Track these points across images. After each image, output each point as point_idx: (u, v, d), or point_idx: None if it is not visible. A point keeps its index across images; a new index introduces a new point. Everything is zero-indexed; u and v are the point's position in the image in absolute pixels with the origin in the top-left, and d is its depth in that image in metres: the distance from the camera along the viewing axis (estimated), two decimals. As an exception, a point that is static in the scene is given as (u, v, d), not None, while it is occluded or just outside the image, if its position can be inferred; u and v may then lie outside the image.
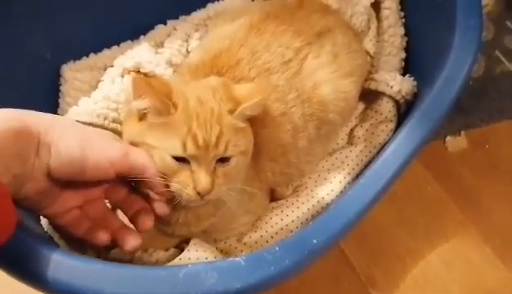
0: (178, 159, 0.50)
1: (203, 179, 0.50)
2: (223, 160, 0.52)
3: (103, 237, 0.52)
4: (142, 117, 0.52)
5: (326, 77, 0.66)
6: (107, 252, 0.64)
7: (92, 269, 0.45)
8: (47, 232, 0.58)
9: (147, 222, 0.53)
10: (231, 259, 0.48)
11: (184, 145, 0.49)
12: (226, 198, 0.54)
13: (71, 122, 0.51)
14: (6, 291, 0.58)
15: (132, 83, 0.51)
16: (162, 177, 0.51)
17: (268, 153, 0.58)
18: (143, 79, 0.51)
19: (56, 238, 0.59)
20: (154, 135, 0.51)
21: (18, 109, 0.45)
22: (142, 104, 0.50)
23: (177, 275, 0.45)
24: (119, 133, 0.63)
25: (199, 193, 0.50)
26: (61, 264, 0.45)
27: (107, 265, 0.46)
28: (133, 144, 0.52)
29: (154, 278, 0.45)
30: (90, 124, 0.66)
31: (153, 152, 0.51)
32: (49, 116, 0.48)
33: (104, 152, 0.48)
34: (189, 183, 0.51)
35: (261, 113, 0.57)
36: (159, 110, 0.50)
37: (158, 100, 0.49)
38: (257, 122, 0.57)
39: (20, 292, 0.49)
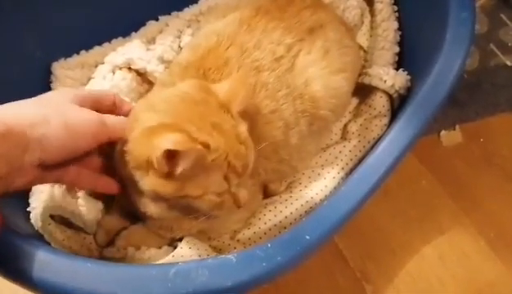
0: None
1: (242, 196, 0.54)
2: None
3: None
4: (169, 174, 0.48)
5: (317, 73, 0.65)
6: (100, 250, 0.64)
7: (81, 267, 0.45)
8: (37, 231, 0.58)
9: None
10: (222, 256, 0.48)
11: (228, 180, 0.51)
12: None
13: (50, 106, 0.49)
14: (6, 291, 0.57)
15: (163, 158, 0.46)
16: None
17: (259, 150, 0.58)
18: (175, 147, 0.45)
19: (47, 236, 0.59)
20: (195, 184, 0.50)
21: None
22: (185, 165, 0.47)
23: (167, 273, 0.45)
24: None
25: (239, 206, 0.54)
26: (50, 263, 0.45)
27: (96, 263, 0.46)
28: (171, 198, 0.51)
29: (144, 277, 0.45)
30: None
31: (196, 200, 0.51)
32: (30, 108, 0.47)
33: (86, 124, 0.49)
34: (231, 205, 0.54)
35: (250, 111, 0.57)
36: (198, 163, 0.48)
37: (196, 156, 0.47)
38: (246, 120, 0.57)
39: (19, 291, 0.49)
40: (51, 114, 0.47)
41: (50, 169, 0.48)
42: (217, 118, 0.50)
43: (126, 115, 0.55)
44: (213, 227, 0.63)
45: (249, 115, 0.57)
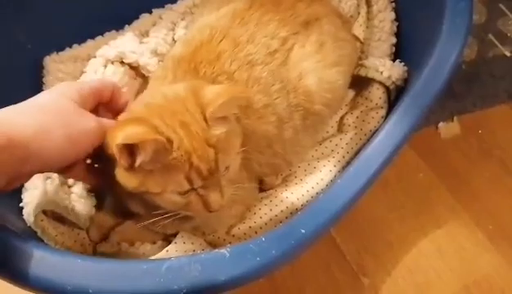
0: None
1: (214, 200, 0.51)
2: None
3: None
4: (130, 167, 0.48)
5: (311, 67, 0.64)
6: (93, 246, 0.63)
7: (73, 263, 0.44)
8: (29, 227, 0.57)
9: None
10: (215, 251, 0.47)
11: (190, 181, 0.49)
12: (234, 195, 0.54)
13: (52, 114, 0.47)
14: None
15: (118, 150, 0.46)
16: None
17: (252, 144, 0.57)
18: (129, 140, 0.45)
19: (40, 232, 0.58)
20: (156, 181, 0.49)
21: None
22: (143, 157, 0.46)
23: (159, 268, 0.44)
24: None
25: (211, 211, 0.51)
26: (42, 260, 0.44)
27: (88, 259, 0.45)
28: (135, 194, 0.51)
29: (136, 272, 0.44)
30: None
31: (156, 197, 0.50)
32: (32, 117, 0.45)
33: (87, 133, 0.48)
34: (200, 208, 0.51)
35: (242, 106, 0.56)
36: (159, 160, 0.47)
37: (155, 149, 0.46)
38: (239, 114, 0.56)
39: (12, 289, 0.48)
40: (53, 125, 0.45)
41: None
42: (188, 118, 0.49)
43: (122, 107, 0.55)
44: (207, 223, 0.63)
45: (241, 109, 0.56)
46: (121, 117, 0.53)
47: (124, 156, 0.47)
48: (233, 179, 0.54)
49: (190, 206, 0.51)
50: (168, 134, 0.47)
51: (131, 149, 0.46)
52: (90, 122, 0.49)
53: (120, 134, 0.45)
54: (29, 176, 0.46)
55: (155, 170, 0.48)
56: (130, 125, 0.47)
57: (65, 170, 0.49)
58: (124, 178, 0.49)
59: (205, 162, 0.48)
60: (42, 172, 0.46)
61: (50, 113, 0.47)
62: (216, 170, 0.49)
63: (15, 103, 0.46)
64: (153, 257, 0.56)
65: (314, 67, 0.65)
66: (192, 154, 0.48)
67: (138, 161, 0.46)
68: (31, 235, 0.57)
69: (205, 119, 0.49)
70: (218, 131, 0.50)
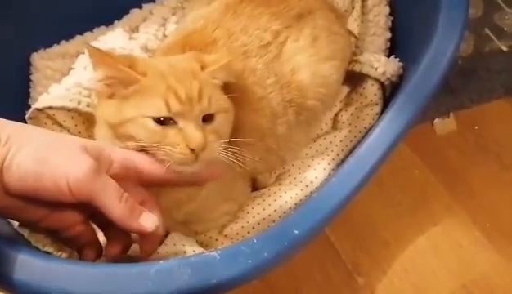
0: (162, 123, 0.48)
1: (193, 134, 0.47)
2: (209, 119, 0.50)
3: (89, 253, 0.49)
4: (111, 95, 0.50)
5: (305, 61, 0.63)
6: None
7: (57, 268, 0.43)
8: (15, 229, 0.55)
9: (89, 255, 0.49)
10: (205, 253, 0.46)
11: (167, 103, 0.47)
12: (222, 157, 0.51)
13: (38, 132, 0.44)
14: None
15: (89, 55, 0.49)
16: (150, 146, 0.47)
17: (243, 135, 0.57)
18: (100, 50, 0.49)
19: (26, 234, 0.57)
20: (131, 105, 0.48)
21: None
22: (102, 74, 0.49)
23: (148, 272, 0.43)
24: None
25: (193, 151, 0.47)
26: (28, 264, 0.43)
27: (73, 263, 0.44)
28: (115, 127, 0.49)
29: (124, 277, 0.43)
30: (62, 108, 0.63)
31: (133, 125, 0.48)
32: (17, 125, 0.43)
33: (65, 169, 0.41)
34: (179, 141, 0.47)
35: (238, 95, 0.55)
36: (124, 80, 0.48)
37: (119, 68, 0.48)
38: (233, 104, 0.55)
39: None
40: (35, 138, 0.42)
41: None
42: (175, 60, 0.52)
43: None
44: (196, 218, 0.61)
45: (236, 99, 0.55)
46: None
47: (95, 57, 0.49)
48: (221, 136, 0.52)
49: (169, 139, 0.47)
50: (142, 67, 0.49)
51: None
52: (80, 161, 0.42)
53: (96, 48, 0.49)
54: None
55: (130, 94, 0.48)
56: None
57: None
58: (103, 108, 0.51)
59: (184, 86, 0.48)
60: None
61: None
62: (197, 101, 0.48)
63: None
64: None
65: (307, 61, 0.63)
66: (169, 76, 0.48)
67: (102, 76, 0.49)
68: (18, 237, 0.55)
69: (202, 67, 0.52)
70: (210, 78, 0.52)
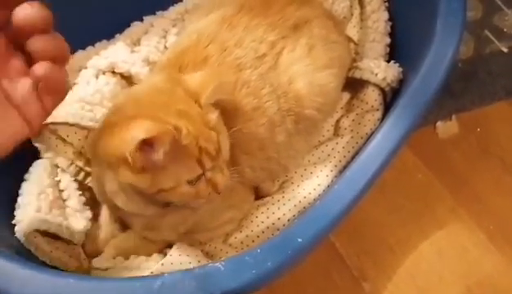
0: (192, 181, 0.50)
1: (222, 180, 0.52)
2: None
3: None
4: (141, 169, 0.48)
5: (301, 70, 0.63)
6: (89, 260, 0.62)
7: (63, 283, 0.44)
8: (22, 244, 0.56)
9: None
10: (209, 265, 0.46)
11: (202, 164, 0.50)
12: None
13: None
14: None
15: (133, 155, 0.45)
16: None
17: (241, 146, 0.58)
18: (150, 134, 0.44)
19: (33, 249, 0.58)
20: (169, 177, 0.49)
21: None
22: (160, 155, 0.46)
23: (152, 286, 0.43)
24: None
25: (218, 192, 0.52)
26: (31, 280, 0.43)
27: (78, 278, 0.45)
28: (150, 194, 0.50)
29: (128, 290, 0.43)
30: (65, 123, 0.64)
31: (170, 193, 0.50)
32: None
33: None
34: (210, 190, 0.52)
35: (230, 107, 0.57)
36: (172, 149, 0.47)
37: (171, 140, 0.46)
38: (226, 116, 0.56)
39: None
40: None
41: None
42: (183, 105, 0.50)
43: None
44: (200, 228, 0.62)
45: (228, 111, 0.56)
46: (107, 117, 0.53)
47: (141, 156, 0.46)
48: (225, 157, 0.54)
49: (200, 193, 0.51)
50: (174, 122, 0.47)
51: (145, 148, 0.45)
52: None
53: (136, 132, 0.44)
54: None
55: (167, 164, 0.48)
56: (137, 122, 0.46)
57: None
58: (134, 181, 0.48)
59: (211, 143, 0.50)
60: None
61: None
62: (219, 150, 0.51)
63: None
64: (148, 271, 0.55)
65: (304, 70, 0.64)
66: (199, 137, 0.49)
67: (156, 157, 0.46)
68: (24, 252, 0.56)
69: (200, 105, 0.51)
70: (214, 115, 0.52)
